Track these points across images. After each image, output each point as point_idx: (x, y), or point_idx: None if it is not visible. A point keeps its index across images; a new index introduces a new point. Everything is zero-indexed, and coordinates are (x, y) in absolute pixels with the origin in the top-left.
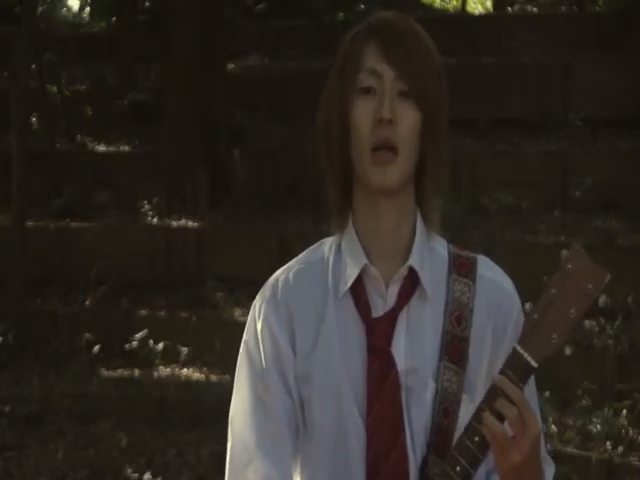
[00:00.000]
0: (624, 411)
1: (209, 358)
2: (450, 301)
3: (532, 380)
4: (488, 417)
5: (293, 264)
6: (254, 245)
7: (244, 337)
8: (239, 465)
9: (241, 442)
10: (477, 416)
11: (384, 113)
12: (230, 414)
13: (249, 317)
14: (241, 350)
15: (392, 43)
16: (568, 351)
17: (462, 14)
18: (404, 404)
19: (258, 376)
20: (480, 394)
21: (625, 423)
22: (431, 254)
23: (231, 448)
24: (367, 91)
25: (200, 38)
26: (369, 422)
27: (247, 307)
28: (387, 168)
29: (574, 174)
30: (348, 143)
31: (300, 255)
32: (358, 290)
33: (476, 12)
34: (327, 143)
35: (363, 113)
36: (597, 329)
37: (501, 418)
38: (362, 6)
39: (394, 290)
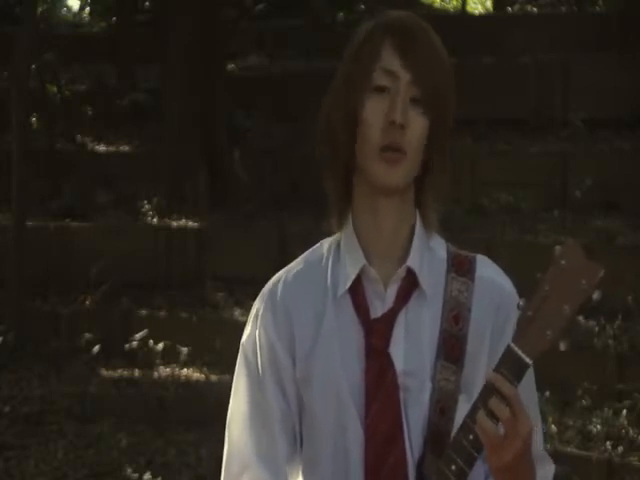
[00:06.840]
0: (624, 411)
1: (209, 358)
2: (448, 300)
3: (531, 376)
4: (481, 416)
5: (293, 265)
6: (254, 245)
7: (242, 339)
8: (235, 473)
9: (238, 449)
10: (471, 414)
11: (397, 117)
12: (227, 418)
13: (249, 319)
14: (239, 354)
15: (409, 45)
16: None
17: (462, 14)
18: (402, 404)
19: (255, 382)
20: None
21: (625, 423)
22: (430, 254)
23: (227, 454)
24: (381, 90)
25: (200, 38)
26: (367, 423)
27: (247, 307)
28: (394, 167)
29: (574, 174)
30: (354, 138)
31: (300, 256)
32: (357, 291)
33: (476, 12)
34: (331, 136)
35: (375, 112)
36: (597, 329)
37: (495, 416)
38: (362, 6)
39: (392, 291)
